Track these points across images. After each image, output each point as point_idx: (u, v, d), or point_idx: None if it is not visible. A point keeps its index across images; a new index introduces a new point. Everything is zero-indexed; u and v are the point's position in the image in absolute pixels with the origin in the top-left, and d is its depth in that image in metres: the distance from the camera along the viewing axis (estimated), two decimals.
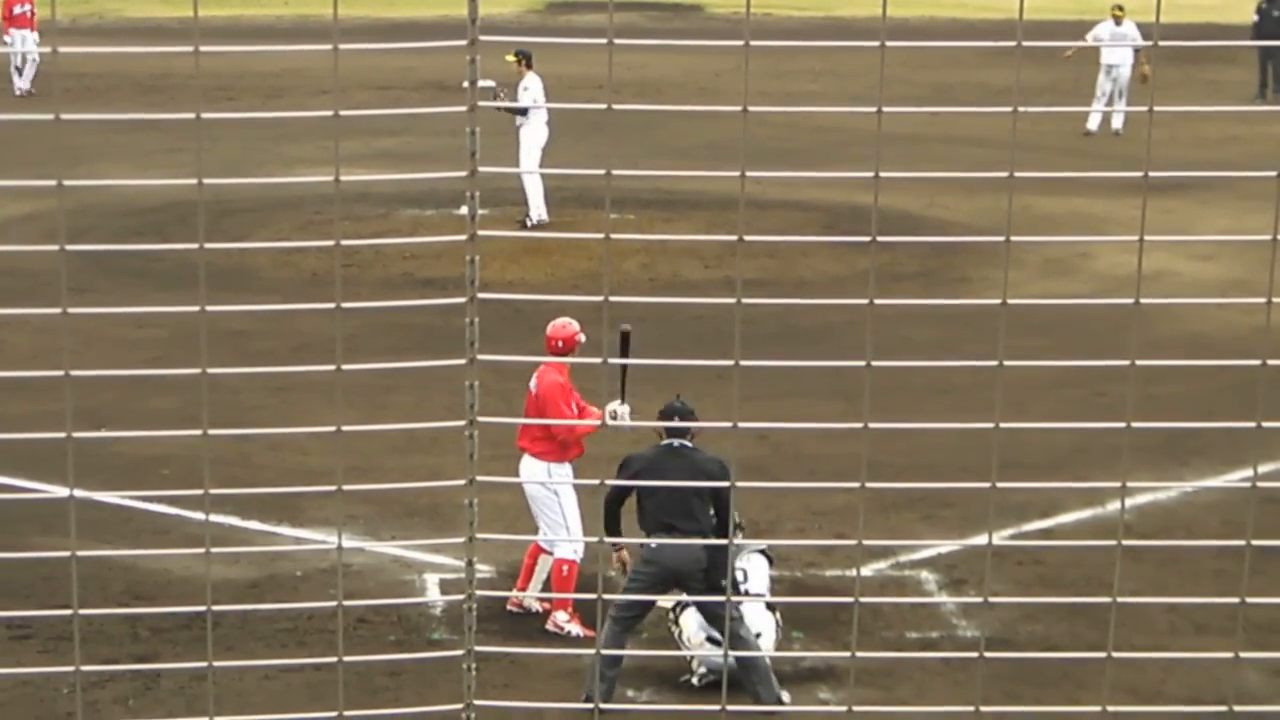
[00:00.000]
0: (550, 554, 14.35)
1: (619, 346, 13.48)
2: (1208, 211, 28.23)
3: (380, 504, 16.11)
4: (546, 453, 14.10)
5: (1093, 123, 35.58)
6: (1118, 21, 34.99)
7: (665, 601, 13.56)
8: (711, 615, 12.94)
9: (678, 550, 12.83)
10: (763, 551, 13.94)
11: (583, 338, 14.23)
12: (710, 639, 13.24)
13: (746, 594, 13.41)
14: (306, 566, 15.17)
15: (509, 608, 14.45)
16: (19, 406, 16.82)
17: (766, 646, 13.25)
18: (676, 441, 13.18)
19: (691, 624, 13.33)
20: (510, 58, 26.97)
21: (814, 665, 13.58)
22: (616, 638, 12.75)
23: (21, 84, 39.95)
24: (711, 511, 12.88)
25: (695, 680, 13.23)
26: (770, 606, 13.43)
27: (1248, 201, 28.45)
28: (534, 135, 27.44)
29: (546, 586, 14.38)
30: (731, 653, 12.78)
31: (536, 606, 14.45)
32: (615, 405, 13.90)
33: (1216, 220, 27.76)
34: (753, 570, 13.70)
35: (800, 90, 39.68)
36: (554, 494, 14.12)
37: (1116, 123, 35.40)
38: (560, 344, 14.15)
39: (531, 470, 14.07)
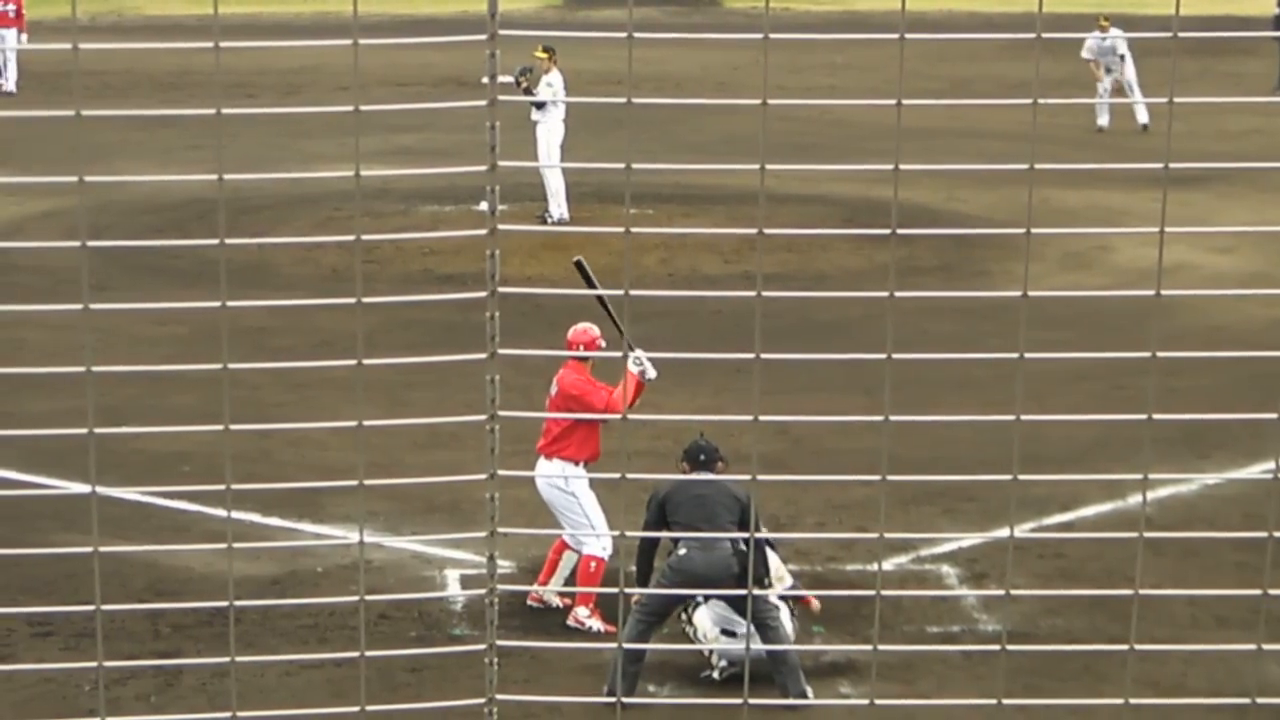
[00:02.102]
0: (576, 552, 14.35)
1: (583, 280, 13.52)
2: (1227, 204, 28.16)
3: (401, 500, 16.13)
4: (564, 450, 14.07)
5: (1103, 119, 35.48)
6: (1103, 32, 34.90)
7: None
8: (742, 611, 12.96)
9: (708, 560, 12.85)
10: (766, 542, 13.88)
11: (603, 343, 14.22)
12: (725, 632, 13.24)
13: (767, 586, 13.38)
14: (328, 563, 15.19)
15: (529, 603, 14.46)
16: (40, 404, 16.86)
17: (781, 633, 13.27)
18: (702, 474, 13.33)
19: (705, 620, 13.32)
20: (541, 53, 26.97)
21: (835, 659, 13.57)
22: (639, 634, 12.75)
23: (6, 85, 39.90)
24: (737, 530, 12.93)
25: (716, 675, 13.22)
26: (785, 598, 13.42)
27: (1268, 194, 28.43)
28: (552, 133, 27.44)
29: (570, 583, 14.39)
30: (755, 645, 12.80)
31: (557, 602, 14.46)
32: (631, 357, 13.90)
33: (1236, 213, 27.69)
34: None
35: (819, 84, 39.65)
36: (573, 496, 14.11)
37: (1142, 117, 35.19)
38: (581, 348, 14.16)
39: (547, 473, 14.05)
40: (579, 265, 13.59)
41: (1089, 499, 16.27)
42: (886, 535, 14.69)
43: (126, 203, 27.85)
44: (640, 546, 13.20)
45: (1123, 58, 34.99)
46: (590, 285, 13.52)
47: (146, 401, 18.00)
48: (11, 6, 39.68)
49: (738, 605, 12.92)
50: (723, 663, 13.21)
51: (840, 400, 18.18)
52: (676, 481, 13.19)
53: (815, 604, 13.60)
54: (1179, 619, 13.83)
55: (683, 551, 12.99)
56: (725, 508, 12.92)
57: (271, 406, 18.10)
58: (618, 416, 13.80)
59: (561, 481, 14.01)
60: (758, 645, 12.79)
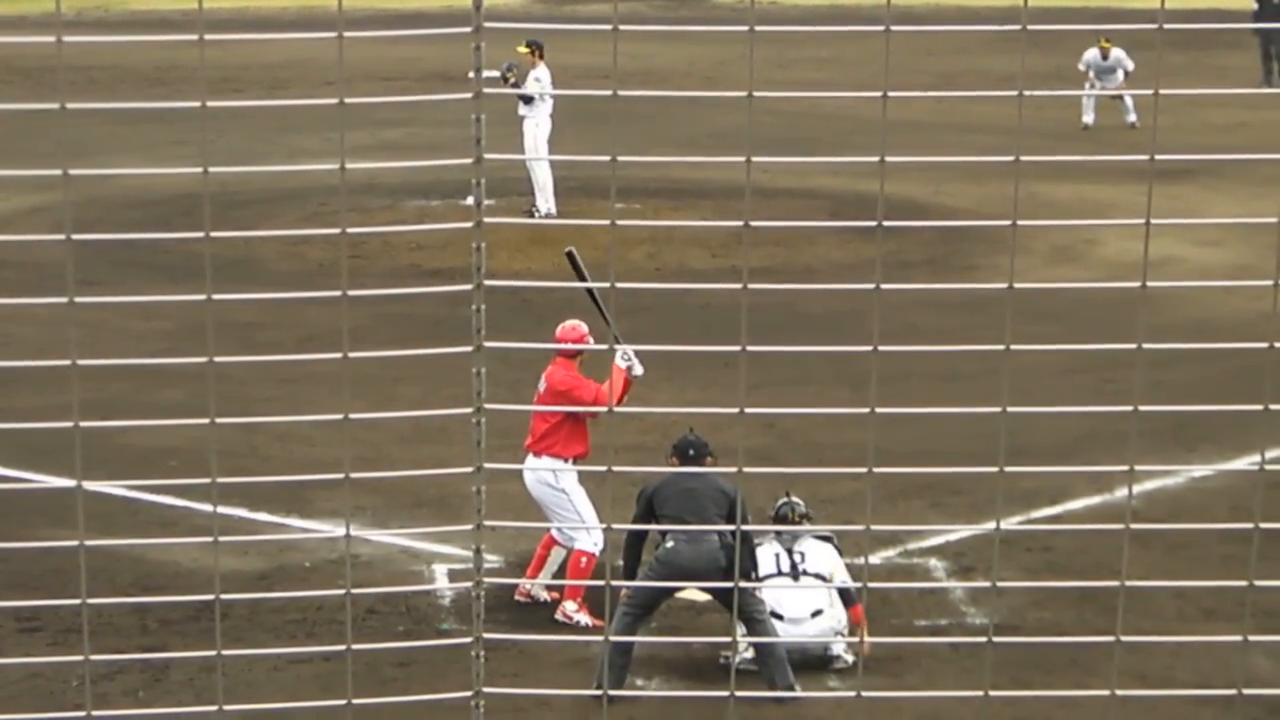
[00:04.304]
0: (565, 548, 14.33)
1: (573, 271, 13.53)
2: (1214, 197, 28.21)
3: (388, 494, 16.11)
4: (552, 447, 14.03)
5: (1088, 116, 35.53)
6: (1104, 55, 35.17)
7: (698, 595, 13.55)
8: (738, 608, 12.90)
9: (695, 552, 12.82)
10: (826, 538, 13.81)
11: (592, 340, 14.19)
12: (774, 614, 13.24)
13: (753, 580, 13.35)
14: (315, 557, 15.17)
15: (517, 597, 14.45)
16: (27, 399, 16.84)
17: (828, 624, 13.31)
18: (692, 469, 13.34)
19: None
20: (522, 49, 27.00)
21: (823, 652, 13.57)
22: (626, 627, 12.74)
23: None
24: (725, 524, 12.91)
25: (734, 658, 12.96)
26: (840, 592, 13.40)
27: (1254, 187, 28.43)
28: (539, 128, 27.46)
29: (558, 578, 14.36)
30: (752, 639, 12.81)
31: (545, 596, 14.45)
32: (619, 352, 13.87)
33: (1223, 206, 27.74)
34: (810, 553, 13.58)
35: (806, 79, 39.68)
36: (563, 492, 14.09)
37: (1131, 116, 35.35)
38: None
39: (536, 470, 14.01)
40: (570, 256, 13.56)
41: (1076, 492, 16.28)
42: (873, 528, 14.67)
43: (112, 198, 27.82)
44: (627, 541, 13.17)
45: (1127, 73, 35.17)
46: (580, 277, 13.49)
47: (133, 396, 17.98)
48: None
49: (724, 598, 12.90)
50: (748, 654, 13.08)
51: (827, 394, 18.20)
52: (665, 475, 13.19)
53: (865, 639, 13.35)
54: (1166, 611, 13.84)
55: (670, 544, 12.98)
56: (713, 502, 12.91)
57: (258, 401, 18.08)
58: (604, 410, 13.86)
59: (551, 478, 13.98)
60: (755, 639, 12.81)
